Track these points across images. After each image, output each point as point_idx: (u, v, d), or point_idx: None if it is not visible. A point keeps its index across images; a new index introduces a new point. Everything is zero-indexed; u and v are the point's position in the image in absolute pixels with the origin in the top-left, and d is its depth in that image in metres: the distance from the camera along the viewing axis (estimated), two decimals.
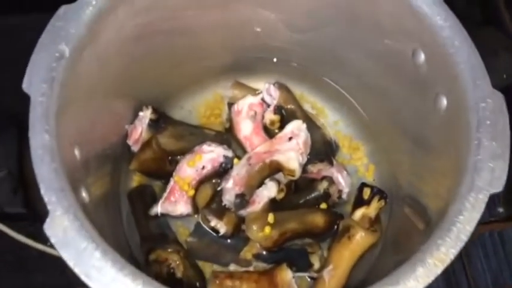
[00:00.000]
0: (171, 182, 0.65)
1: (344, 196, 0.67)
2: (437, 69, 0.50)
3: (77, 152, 0.48)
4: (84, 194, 0.47)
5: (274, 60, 0.74)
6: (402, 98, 0.60)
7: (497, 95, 0.45)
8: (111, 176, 0.65)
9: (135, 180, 0.69)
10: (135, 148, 0.66)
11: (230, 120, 0.70)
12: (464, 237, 0.39)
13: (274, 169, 0.63)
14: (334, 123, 0.74)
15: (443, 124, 0.51)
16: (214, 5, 0.60)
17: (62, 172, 0.41)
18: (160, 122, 0.65)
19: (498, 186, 0.41)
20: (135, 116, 0.67)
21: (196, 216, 0.66)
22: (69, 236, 0.38)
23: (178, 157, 0.67)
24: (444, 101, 0.50)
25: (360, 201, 0.66)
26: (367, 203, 0.65)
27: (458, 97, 0.47)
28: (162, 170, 0.65)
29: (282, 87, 0.70)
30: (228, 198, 0.61)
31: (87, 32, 0.47)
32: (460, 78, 0.46)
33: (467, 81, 0.46)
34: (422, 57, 0.53)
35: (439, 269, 0.38)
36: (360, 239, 0.62)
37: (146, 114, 0.65)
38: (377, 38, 0.57)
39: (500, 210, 0.73)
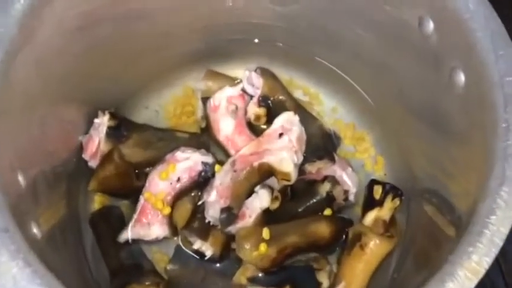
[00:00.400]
0: (141, 200, 0.64)
1: (351, 198, 0.67)
2: (450, 39, 0.50)
3: (20, 178, 0.47)
4: (34, 230, 0.46)
5: (256, 41, 0.74)
6: (411, 76, 0.60)
7: None
8: (66, 200, 0.64)
9: (97, 201, 0.68)
10: (93, 163, 0.65)
11: (206, 118, 0.69)
12: (499, 241, 0.39)
13: (264, 174, 0.63)
14: (332, 111, 0.74)
15: (463, 104, 0.51)
16: None
17: (3, 207, 0.40)
18: (121, 129, 0.64)
19: None
20: (90, 124, 0.66)
21: (175, 238, 0.66)
22: (20, 286, 0.37)
23: (147, 169, 0.66)
24: (462, 77, 0.50)
25: (370, 202, 0.66)
26: (380, 203, 0.65)
27: (477, 71, 0.47)
28: (128, 187, 0.65)
29: (266, 73, 0.69)
30: (212, 214, 0.61)
31: (19, 31, 0.46)
32: (478, 49, 0.46)
33: (487, 52, 0.46)
34: (431, 25, 0.52)
35: (472, 283, 0.38)
36: (375, 247, 0.62)
37: (103, 121, 0.64)
38: (375, 5, 0.57)
39: None
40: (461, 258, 0.39)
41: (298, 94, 0.74)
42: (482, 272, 0.38)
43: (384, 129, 0.72)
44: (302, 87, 0.75)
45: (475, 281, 0.38)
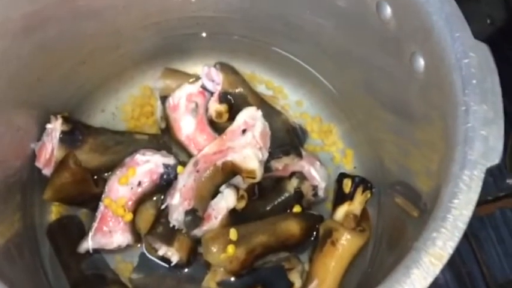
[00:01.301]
0: (101, 208, 0.65)
1: (321, 193, 0.69)
2: (407, 23, 0.52)
3: None
4: None
5: (212, 35, 0.74)
6: (373, 63, 0.61)
7: (481, 47, 0.46)
8: (21, 212, 0.65)
9: (54, 211, 0.69)
10: (47, 171, 0.65)
11: (166, 118, 0.70)
12: (462, 225, 0.41)
13: (229, 173, 0.64)
14: (297, 104, 0.76)
15: (423, 89, 0.52)
16: None
17: None
18: (75, 133, 0.65)
19: (494, 158, 0.42)
20: (42, 130, 0.66)
21: (139, 245, 0.67)
22: None
23: (106, 175, 0.66)
24: (421, 62, 0.52)
25: (340, 197, 0.68)
26: (350, 197, 0.67)
27: (436, 55, 0.48)
28: (86, 194, 0.65)
29: (226, 68, 0.70)
30: (176, 217, 0.62)
31: None
32: (435, 32, 0.48)
33: (444, 35, 0.47)
34: (388, 10, 0.54)
35: (437, 268, 0.40)
36: (346, 242, 0.64)
37: (56, 126, 0.64)
38: None
39: (510, 182, 0.76)
40: (425, 244, 0.41)
41: (261, 88, 0.76)
42: (446, 257, 0.40)
43: (352, 121, 0.73)
44: (265, 81, 0.77)
45: (440, 266, 0.40)
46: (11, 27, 0.53)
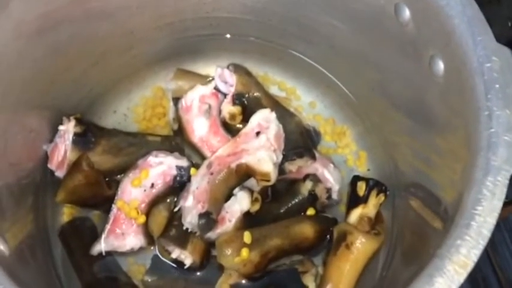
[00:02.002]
0: (114, 210, 0.64)
1: (334, 196, 0.68)
2: (427, 26, 0.51)
3: None
4: (1, 247, 0.45)
5: (227, 36, 0.74)
6: (390, 67, 0.61)
7: (504, 51, 0.46)
8: (34, 214, 0.64)
9: (66, 213, 0.68)
10: (60, 173, 0.64)
11: (179, 119, 0.70)
12: (486, 233, 0.40)
13: (243, 175, 0.63)
14: (310, 106, 0.75)
15: (443, 93, 0.52)
16: None
17: None
18: (88, 135, 0.64)
19: None
20: (55, 131, 0.66)
21: (152, 248, 0.66)
22: None
23: (119, 177, 0.66)
24: (441, 65, 0.51)
25: (355, 199, 0.67)
26: (364, 200, 0.66)
27: (457, 58, 0.48)
28: (99, 196, 0.64)
29: (239, 70, 0.70)
30: (190, 220, 0.61)
31: None
32: (456, 36, 0.47)
33: (465, 39, 0.47)
34: (407, 13, 0.53)
35: (461, 277, 0.39)
36: (361, 246, 0.63)
37: (69, 128, 0.63)
38: None
39: None
40: (449, 252, 0.40)
41: (274, 90, 0.75)
42: (471, 265, 0.39)
43: (366, 123, 0.73)
44: (278, 82, 0.76)
45: (464, 275, 0.39)
46: (25, 29, 0.52)
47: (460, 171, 0.47)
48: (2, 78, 0.51)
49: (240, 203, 0.63)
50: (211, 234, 0.63)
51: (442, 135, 0.54)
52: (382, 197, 0.67)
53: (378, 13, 0.57)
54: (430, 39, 0.52)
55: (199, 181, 0.63)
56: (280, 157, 0.65)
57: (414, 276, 0.42)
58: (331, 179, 0.68)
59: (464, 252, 0.40)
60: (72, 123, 0.63)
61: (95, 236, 0.65)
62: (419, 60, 0.54)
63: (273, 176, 0.63)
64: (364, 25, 0.61)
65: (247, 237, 0.62)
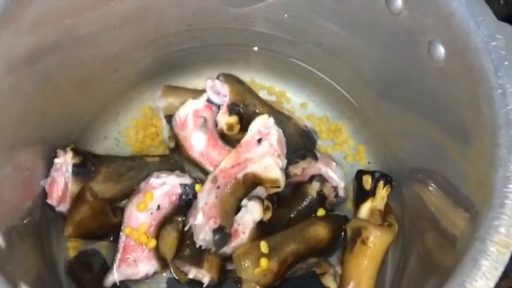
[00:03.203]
0: (123, 237, 0.62)
1: (341, 193, 0.68)
2: (423, 13, 0.51)
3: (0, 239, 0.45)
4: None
5: (210, 47, 0.73)
6: (383, 57, 0.61)
7: (507, 28, 0.46)
8: (39, 252, 0.62)
9: (71, 247, 0.66)
10: (62, 208, 0.62)
11: (175, 136, 0.68)
12: None
13: (250, 185, 0.62)
14: (301, 107, 0.75)
15: (445, 76, 0.52)
16: None
17: None
18: (87, 165, 0.62)
19: None
20: (48, 166, 0.63)
21: (165, 271, 0.65)
22: None
23: (123, 202, 0.64)
24: (441, 49, 0.51)
25: (362, 194, 0.67)
26: (372, 193, 0.66)
27: (458, 41, 0.48)
28: (106, 225, 0.63)
29: (230, 79, 0.69)
30: (203, 238, 0.60)
31: None
32: (456, 19, 0.47)
33: (466, 20, 0.47)
34: (399, 2, 0.53)
35: (506, 256, 0.39)
36: (377, 239, 0.63)
37: (66, 160, 0.61)
38: None
39: None
40: (488, 233, 0.40)
41: (263, 95, 0.75)
42: None
43: (360, 117, 0.73)
44: (266, 87, 0.75)
45: (508, 254, 0.39)
46: (15, 63, 0.50)
47: (478, 153, 0.47)
48: None
49: (252, 213, 0.62)
50: (226, 249, 0.61)
51: (448, 119, 0.54)
52: (388, 188, 0.66)
53: (367, 6, 0.57)
54: (427, 25, 0.52)
55: (206, 196, 0.61)
56: (285, 162, 0.64)
57: (452, 263, 0.42)
58: (335, 176, 0.68)
59: (504, 232, 0.40)
60: (70, 154, 0.61)
61: (105, 267, 0.63)
62: (416, 47, 0.54)
63: (282, 182, 0.62)
64: (353, 20, 0.61)
65: (264, 246, 0.61)
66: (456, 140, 0.53)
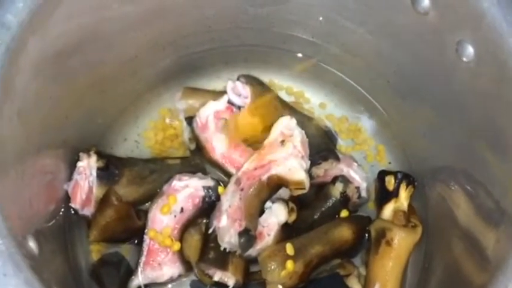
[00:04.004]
0: (147, 241, 0.62)
1: (363, 193, 0.68)
2: (452, 13, 0.51)
3: (32, 244, 0.45)
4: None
5: (229, 47, 0.72)
6: (407, 57, 0.61)
7: None
8: (63, 256, 0.62)
9: (94, 250, 0.66)
10: (86, 211, 0.62)
11: (196, 138, 0.68)
12: None
13: (274, 187, 0.62)
14: (320, 107, 0.75)
15: (475, 77, 0.52)
16: None
17: (33, 280, 0.38)
18: (111, 168, 0.62)
19: None
20: (70, 169, 0.63)
21: (187, 274, 0.64)
22: None
23: (147, 204, 0.64)
24: (470, 50, 0.51)
25: (385, 194, 0.66)
26: (395, 194, 0.66)
27: (489, 41, 0.48)
28: (130, 229, 0.62)
29: (251, 80, 0.69)
30: (229, 240, 0.59)
31: (1, 84, 0.43)
32: (487, 19, 0.47)
33: (498, 21, 0.47)
34: (426, 2, 0.53)
35: None
36: (402, 240, 0.63)
37: (90, 164, 0.61)
38: None
39: None
40: None
41: (281, 95, 0.74)
42: None
43: (380, 116, 0.73)
44: (285, 88, 0.75)
45: None
46: (42, 68, 0.50)
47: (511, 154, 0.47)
48: (25, 120, 0.49)
49: (277, 215, 0.62)
50: (251, 251, 0.61)
51: (477, 118, 0.54)
52: (411, 188, 0.66)
53: (392, 6, 0.57)
54: (456, 25, 0.51)
55: (230, 199, 0.61)
56: (309, 163, 0.64)
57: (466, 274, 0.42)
58: (357, 177, 0.68)
59: None
60: (94, 158, 0.61)
61: (129, 271, 0.63)
62: (443, 48, 0.54)
63: (307, 183, 0.62)
64: (376, 20, 0.61)
65: (289, 248, 0.60)
66: (486, 139, 0.53)
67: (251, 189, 0.61)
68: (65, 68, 0.55)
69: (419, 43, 0.57)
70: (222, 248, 0.60)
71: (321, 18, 0.65)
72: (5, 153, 0.44)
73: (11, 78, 0.45)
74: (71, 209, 0.63)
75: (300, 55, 0.73)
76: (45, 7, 0.47)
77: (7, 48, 0.44)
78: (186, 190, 0.63)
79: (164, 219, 0.62)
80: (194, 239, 0.64)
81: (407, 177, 0.66)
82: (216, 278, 0.62)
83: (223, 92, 0.69)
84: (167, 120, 0.71)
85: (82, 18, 0.53)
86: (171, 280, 0.63)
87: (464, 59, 0.52)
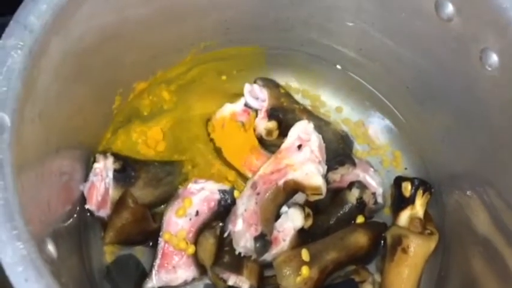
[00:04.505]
0: (161, 243, 0.62)
1: (379, 199, 0.67)
2: (476, 20, 0.51)
3: (51, 247, 0.44)
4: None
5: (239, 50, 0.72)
6: (429, 64, 0.60)
7: None
8: (77, 257, 0.61)
9: (108, 252, 0.65)
10: (102, 213, 0.62)
11: (212, 141, 0.68)
12: None
13: (290, 192, 0.62)
14: (336, 111, 0.74)
15: (499, 86, 0.51)
16: None
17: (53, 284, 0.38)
18: (127, 170, 0.61)
19: None
20: (85, 170, 0.63)
21: (201, 277, 0.64)
22: None
23: (162, 206, 0.64)
24: (495, 58, 0.50)
25: (401, 201, 0.66)
26: (412, 200, 0.65)
27: None
28: (145, 231, 0.62)
29: (269, 83, 0.68)
30: (244, 244, 0.59)
31: (22, 85, 0.43)
32: None
33: None
34: (450, 8, 0.53)
35: None
36: (418, 248, 0.62)
37: (107, 165, 0.61)
38: None
39: None
40: None
41: (297, 99, 0.74)
42: None
43: (398, 121, 0.72)
44: (301, 91, 0.75)
45: None
46: (63, 70, 0.50)
47: None
48: (46, 122, 0.49)
49: (293, 220, 0.61)
50: (266, 256, 0.61)
51: (500, 125, 0.53)
52: (428, 195, 0.66)
53: (414, 11, 0.57)
54: (481, 33, 0.51)
55: (246, 203, 0.61)
56: (325, 168, 0.63)
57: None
58: (374, 183, 0.67)
59: None
60: (111, 159, 0.61)
61: (143, 273, 0.63)
62: (467, 55, 0.54)
63: (324, 189, 0.61)
64: (397, 25, 0.60)
65: (305, 254, 0.60)
66: (508, 148, 0.53)
67: (267, 194, 0.61)
68: (85, 69, 0.55)
69: (442, 50, 0.57)
70: (237, 252, 0.60)
71: (341, 22, 0.65)
72: (26, 155, 0.44)
73: (33, 80, 0.45)
74: (87, 211, 0.63)
75: (317, 58, 0.73)
76: (67, 8, 0.47)
77: (30, 51, 0.44)
78: (202, 193, 0.63)
79: (179, 222, 0.62)
80: (209, 243, 0.64)
81: (424, 184, 0.66)
82: (230, 282, 0.61)
83: (240, 95, 0.69)
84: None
85: (103, 18, 0.53)
86: (185, 283, 0.63)
87: (488, 68, 0.51)
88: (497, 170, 0.55)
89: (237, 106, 0.68)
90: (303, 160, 0.62)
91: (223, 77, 0.72)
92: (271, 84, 0.68)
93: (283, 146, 0.63)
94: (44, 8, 0.45)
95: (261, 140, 0.68)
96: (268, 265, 0.62)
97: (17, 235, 0.38)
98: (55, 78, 0.49)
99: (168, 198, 0.64)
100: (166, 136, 0.70)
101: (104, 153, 0.62)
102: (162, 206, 0.65)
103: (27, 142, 0.44)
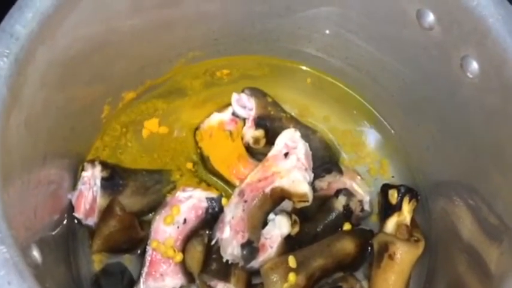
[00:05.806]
0: (149, 251, 0.62)
1: (366, 207, 0.68)
2: (456, 28, 0.51)
3: (36, 253, 0.45)
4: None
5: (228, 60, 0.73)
6: (412, 71, 0.61)
7: None
8: (65, 266, 0.62)
9: (96, 260, 0.65)
10: (90, 221, 0.62)
11: (199, 149, 0.68)
12: None
13: (277, 199, 0.62)
14: (324, 120, 0.74)
15: (480, 92, 0.52)
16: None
17: None
18: (115, 178, 0.62)
19: None
20: (74, 179, 0.64)
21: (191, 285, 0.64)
22: None
23: (150, 215, 0.64)
24: (475, 65, 0.51)
25: (388, 208, 0.66)
26: (398, 207, 0.66)
27: (495, 57, 0.48)
28: (133, 239, 0.62)
29: (256, 93, 0.69)
30: (231, 252, 0.59)
31: (8, 91, 0.43)
32: (492, 34, 0.48)
33: (502, 36, 0.47)
34: (431, 17, 0.54)
35: None
36: (405, 254, 0.62)
37: (95, 174, 0.61)
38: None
39: None
40: None
41: (286, 108, 0.74)
42: None
43: (384, 130, 0.73)
44: (288, 100, 0.75)
45: None
46: (49, 78, 0.50)
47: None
48: (32, 129, 0.49)
49: (280, 227, 0.62)
50: (254, 263, 0.61)
51: (481, 132, 0.54)
52: (414, 202, 0.66)
53: (397, 21, 0.58)
54: (461, 40, 0.52)
55: (234, 210, 0.61)
56: (312, 176, 0.64)
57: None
58: (360, 190, 0.68)
59: None
60: (99, 168, 0.61)
61: (131, 281, 0.63)
62: (448, 63, 0.55)
63: (310, 196, 0.61)
64: (381, 34, 0.61)
65: (292, 261, 0.60)
66: (490, 155, 0.53)
67: (254, 201, 0.61)
68: (72, 77, 0.56)
69: (424, 58, 0.57)
70: (224, 260, 0.60)
71: (326, 32, 0.66)
72: (11, 161, 0.44)
73: (19, 87, 0.45)
74: (75, 219, 0.63)
75: (304, 68, 0.74)
76: (54, 17, 0.48)
77: (16, 59, 0.44)
78: (190, 201, 0.64)
79: (167, 229, 0.62)
80: (197, 250, 0.64)
81: (410, 191, 0.66)
82: None
83: (228, 104, 0.69)
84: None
85: (90, 28, 0.54)
86: None
87: (469, 75, 0.52)
88: (481, 176, 0.56)
89: (225, 115, 0.68)
90: (290, 167, 0.62)
91: (212, 87, 0.73)
92: (258, 94, 0.69)
93: (270, 154, 0.64)
94: (30, 17, 0.45)
95: (248, 148, 0.68)
96: (256, 272, 0.62)
97: (0, 239, 0.38)
98: (41, 86, 0.49)
99: (156, 206, 0.64)
100: (154, 145, 0.70)
101: (92, 161, 0.62)
102: (150, 215, 0.65)
103: (12, 149, 0.45)
